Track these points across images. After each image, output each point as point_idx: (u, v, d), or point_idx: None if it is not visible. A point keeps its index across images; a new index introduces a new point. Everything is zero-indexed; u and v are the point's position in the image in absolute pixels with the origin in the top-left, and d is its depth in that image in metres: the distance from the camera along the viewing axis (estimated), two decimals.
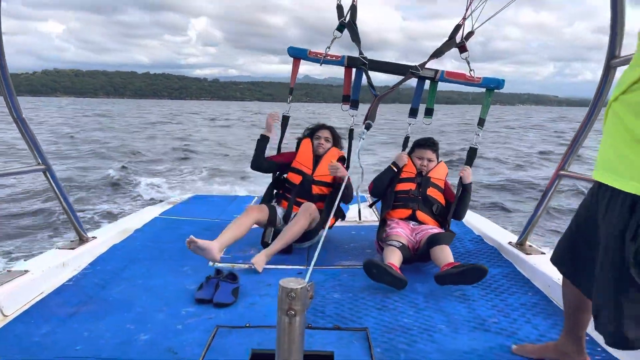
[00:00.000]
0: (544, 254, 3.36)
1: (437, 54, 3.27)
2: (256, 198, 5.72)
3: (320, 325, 2.42)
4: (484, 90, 3.68)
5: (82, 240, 3.47)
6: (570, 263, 1.84)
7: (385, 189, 3.77)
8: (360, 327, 2.41)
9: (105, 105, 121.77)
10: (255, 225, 3.63)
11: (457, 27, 3.36)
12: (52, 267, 2.94)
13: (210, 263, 3.33)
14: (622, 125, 1.45)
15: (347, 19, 3.52)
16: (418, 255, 3.35)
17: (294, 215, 3.71)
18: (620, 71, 2.60)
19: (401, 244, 3.26)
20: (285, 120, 4.00)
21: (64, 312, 2.49)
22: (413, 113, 3.85)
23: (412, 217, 3.62)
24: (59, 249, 3.32)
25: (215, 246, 3.13)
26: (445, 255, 3.12)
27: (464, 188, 3.62)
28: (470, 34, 3.36)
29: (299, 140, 4.11)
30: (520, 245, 3.54)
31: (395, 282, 2.88)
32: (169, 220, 4.49)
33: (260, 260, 3.24)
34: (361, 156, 2.69)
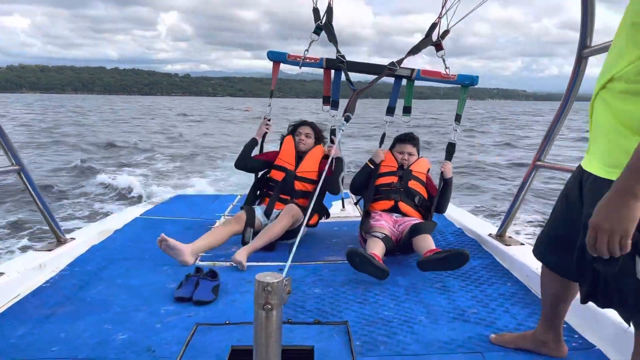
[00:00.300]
0: (523, 244, 3.40)
1: (414, 51, 3.40)
2: (239, 196, 5.70)
3: (300, 320, 2.42)
4: (456, 85, 3.76)
5: (60, 241, 3.43)
6: (555, 255, 1.84)
7: (365, 185, 3.83)
8: (341, 320, 2.41)
9: (75, 100, 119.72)
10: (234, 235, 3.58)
11: (433, 26, 3.47)
12: (28, 269, 2.90)
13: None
14: (611, 113, 1.46)
15: (324, 20, 3.59)
16: (401, 246, 3.39)
17: (277, 213, 3.73)
18: (596, 60, 2.64)
19: (384, 235, 3.28)
20: (260, 137, 4.05)
21: (40, 314, 2.46)
22: (390, 111, 3.90)
23: (395, 209, 3.66)
24: (36, 250, 3.28)
25: (186, 249, 3.09)
26: (427, 243, 3.14)
27: (445, 182, 3.71)
28: (446, 32, 3.48)
29: (282, 138, 4.15)
30: (500, 236, 3.57)
31: (376, 272, 2.90)
32: (151, 220, 4.46)
33: (240, 256, 3.22)
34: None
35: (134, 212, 4.75)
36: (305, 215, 3.57)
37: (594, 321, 2.19)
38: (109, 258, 3.34)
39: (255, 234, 3.57)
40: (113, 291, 2.77)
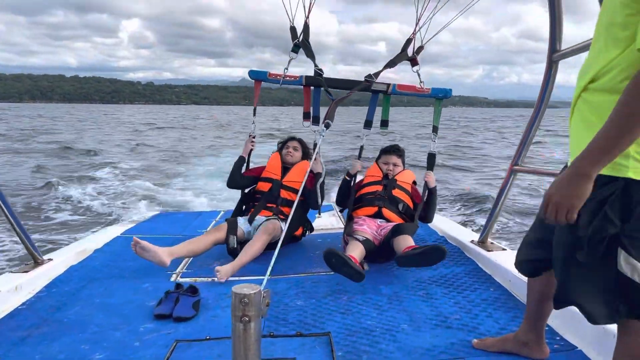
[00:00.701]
0: (505, 250, 3.41)
1: (390, 65, 3.56)
2: (222, 213, 5.65)
3: (282, 332, 2.39)
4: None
5: (37, 262, 3.36)
6: (537, 251, 1.86)
7: (347, 197, 3.93)
8: (323, 332, 2.39)
9: (36, 109, 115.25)
10: (217, 244, 3.64)
11: (408, 41, 3.60)
12: (3, 292, 2.83)
13: (172, 278, 3.27)
14: (594, 112, 1.47)
15: (301, 38, 3.69)
16: (382, 247, 3.42)
17: (260, 221, 3.78)
18: (566, 64, 2.69)
19: (365, 238, 3.34)
20: (246, 155, 4.15)
21: (15, 336, 2.39)
22: (368, 125, 4.01)
23: (379, 215, 3.73)
24: (12, 272, 3.21)
25: (162, 250, 3.15)
26: (406, 242, 3.18)
27: (430, 191, 3.80)
28: (420, 48, 3.62)
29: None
30: (482, 243, 3.58)
31: (352, 273, 2.89)
32: (131, 239, 4.39)
33: (225, 270, 3.20)
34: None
35: (114, 231, 4.69)
36: (286, 222, 3.62)
37: (575, 322, 2.19)
38: (88, 278, 3.28)
39: (240, 243, 3.62)
40: (91, 311, 2.71)
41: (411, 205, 3.86)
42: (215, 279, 3.17)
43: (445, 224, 4.50)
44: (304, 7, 3.47)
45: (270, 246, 3.57)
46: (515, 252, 2.06)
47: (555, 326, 2.30)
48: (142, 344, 2.28)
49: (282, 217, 3.89)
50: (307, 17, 3.58)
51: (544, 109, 2.94)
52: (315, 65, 3.80)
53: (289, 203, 3.94)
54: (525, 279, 2.49)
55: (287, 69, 3.85)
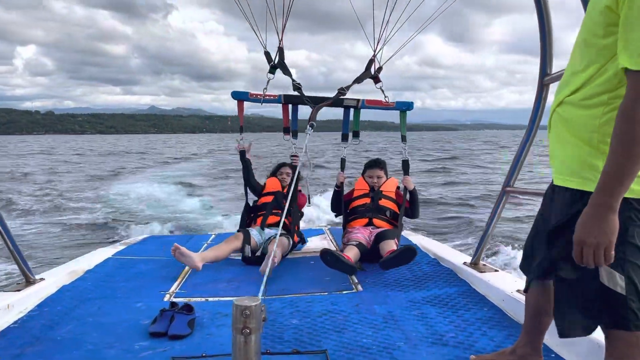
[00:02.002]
0: (497, 271, 3.44)
1: (357, 81, 4.02)
2: (213, 236, 5.64)
3: (278, 350, 2.38)
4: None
5: (29, 281, 3.32)
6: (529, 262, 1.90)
7: (339, 205, 4.50)
8: (320, 349, 2.39)
9: None
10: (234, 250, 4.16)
11: (370, 62, 4.05)
12: None
13: (165, 298, 3.25)
14: (569, 127, 1.55)
15: (276, 60, 4.02)
16: (372, 249, 3.93)
17: (270, 234, 4.36)
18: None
19: (358, 242, 3.87)
20: (242, 153, 4.65)
21: (8, 355, 2.36)
22: (344, 138, 4.56)
23: (370, 224, 4.26)
24: (4, 291, 3.17)
25: (196, 256, 3.77)
26: (388, 246, 3.72)
27: (411, 193, 4.38)
28: (380, 68, 4.07)
29: (266, 180, 4.86)
30: (474, 264, 3.61)
31: (345, 267, 3.50)
32: (123, 260, 4.36)
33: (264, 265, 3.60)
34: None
35: (106, 252, 4.65)
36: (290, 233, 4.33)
37: (570, 339, 2.22)
38: (80, 297, 3.25)
39: (252, 252, 4.14)
40: (84, 330, 2.69)
41: (397, 209, 4.36)
42: (210, 298, 3.17)
43: (438, 247, 4.53)
44: (277, 33, 3.83)
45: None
46: (508, 274, 2.10)
47: (550, 343, 2.32)
48: None
49: (286, 221, 4.26)
50: (281, 42, 3.93)
51: (535, 130, 3.02)
52: (293, 80, 4.08)
53: (290, 211, 4.39)
54: (518, 298, 2.53)
55: (266, 88, 4.20)
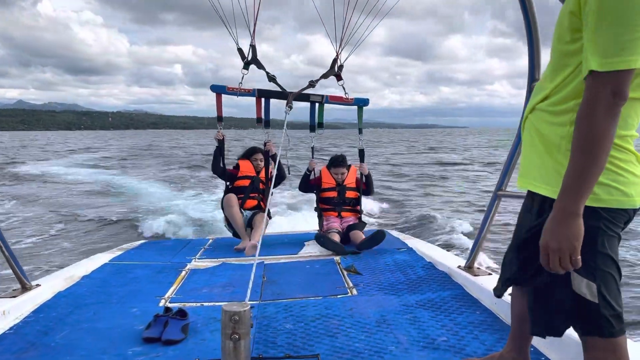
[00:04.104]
0: (491, 274, 3.46)
1: (324, 77, 4.73)
2: (211, 240, 5.67)
3: (271, 355, 2.40)
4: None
5: (25, 288, 3.34)
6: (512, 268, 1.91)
7: (307, 186, 5.48)
8: (312, 354, 2.40)
9: None
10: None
11: (334, 61, 4.71)
12: None
13: (161, 303, 3.27)
14: (537, 134, 1.58)
15: (250, 57, 4.56)
16: (344, 236, 5.07)
17: (248, 213, 5.35)
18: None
19: (337, 230, 5.11)
20: (220, 142, 5.23)
21: None
22: (312, 129, 5.22)
23: (339, 216, 5.36)
24: (0, 298, 3.19)
25: (248, 243, 4.91)
26: (358, 235, 4.93)
27: (366, 177, 5.41)
28: (341, 67, 4.74)
29: (237, 162, 5.50)
30: (468, 268, 3.62)
31: (336, 247, 4.66)
32: (119, 266, 4.38)
33: (250, 247, 4.77)
34: None
35: (102, 258, 4.66)
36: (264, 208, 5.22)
37: (559, 342, 2.24)
38: (76, 303, 3.27)
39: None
40: (79, 335, 2.70)
41: (357, 194, 5.42)
42: (205, 303, 3.19)
43: (432, 250, 4.55)
44: (249, 31, 4.43)
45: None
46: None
47: (539, 346, 2.34)
48: None
49: (262, 204, 5.40)
50: (253, 39, 4.47)
51: None
52: (267, 73, 4.70)
53: (263, 191, 5.46)
54: (510, 301, 2.54)
55: (241, 83, 4.78)
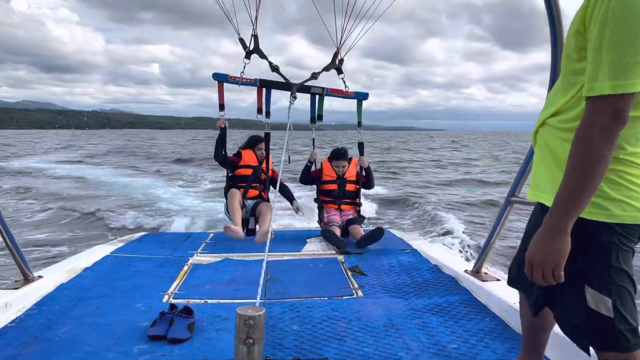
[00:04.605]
0: (500, 280, 3.42)
1: (326, 69, 4.83)
2: (212, 235, 5.62)
3: (279, 357, 2.36)
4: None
5: (27, 279, 3.29)
6: (523, 279, 1.88)
7: (308, 177, 5.52)
8: (321, 358, 2.36)
9: None
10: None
11: (335, 54, 4.79)
12: None
13: (164, 298, 3.23)
14: (547, 148, 1.58)
15: (252, 46, 4.61)
16: (344, 229, 5.20)
17: (251, 203, 5.40)
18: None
19: (338, 224, 5.21)
20: (222, 130, 5.23)
21: (4, 355, 2.33)
22: (312, 120, 5.32)
23: (339, 209, 5.44)
24: (2, 289, 3.14)
25: (237, 229, 4.87)
26: (358, 230, 5.06)
27: (366, 170, 5.42)
28: (342, 60, 4.84)
29: (239, 151, 5.54)
30: (476, 272, 3.58)
31: (338, 242, 4.75)
32: (121, 258, 4.34)
33: (262, 235, 4.80)
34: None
35: (104, 250, 4.62)
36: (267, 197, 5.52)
37: (574, 355, 2.20)
38: (78, 296, 3.22)
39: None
40: (82, 330, 2.66)
41: (357, 187, 5.49)
42: (209, 300, 3.15)
43: (439, 252, 4.51)
44: (251, 21, 4.44)
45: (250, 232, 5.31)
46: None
47: (554, 358, 2.30)
48: None
49: (263, 194, 5.47)
50: (255, 29, 4.51)
51: None
52: (270, 63, 4.75)
53: (264, 181, 5.49)
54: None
55: (242, 72, 4.83)
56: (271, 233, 3.66)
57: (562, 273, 1.37)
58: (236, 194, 5.20)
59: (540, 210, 1.67)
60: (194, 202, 13.81)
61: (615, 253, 1.43)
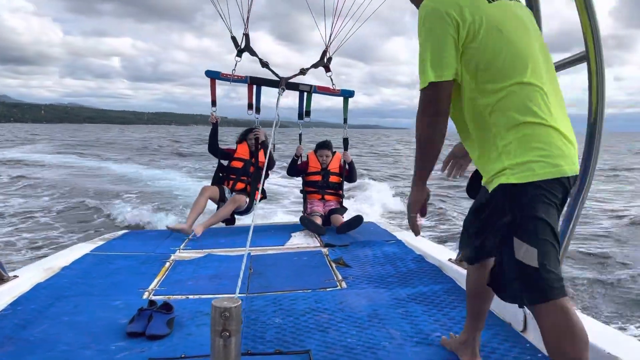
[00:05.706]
0: None
1: (314, 66, 5.14)
2: (193, 232, 5.56)
3: (260, 350, 2.32)
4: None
5: (3, 279, 3.21)
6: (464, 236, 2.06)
7: (294, 170, 5.82)
8: (303, 349, 2.33)
9: None
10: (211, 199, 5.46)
11: (324, 53, 5.11)
12: None
13: (144, 295, 3.16)
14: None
15: (243, 44, 4.88)
16: (326, 218, 5.45)
17: (234, 194, 5.48)
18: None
19: (320, 214, 5.46)
20: (215, 124, 5.48)
21: None
22: (300, 116, 5.58)
23: (322, 199, 5.68)
24: None
25: (186, 226, 4.94)
26: (338, 219, 5.27)
27: (349, 164, 5.65)
28: (330, 59, 5.17)
29: (236, 144, 5.71)
30: (460, 261, 3.57)
31: (318, 228, 5.01)
32: (102, 257, 4.25)
33: (199, 228, 4.89)
34: None
35: (84, 248, 4.53)
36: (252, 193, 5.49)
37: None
38: (55, 296, 3.14)
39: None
40: (59, 329, 2.59)
41: (340, 179, 5.72)
42: (190, 296, 3.09)
43: (423, 243, 4.49)
44: (243, 20, 4.73)
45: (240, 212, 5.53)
46: None
47: (536, 342, 2.29)
48: None
49: (248, 187, 5.55)
50: (246, 28, 4.76)
51: None
52: (260, 60, 5.02)
53: (252, 175, 5.55)
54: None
55: (234, 69, 5.07)
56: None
57: (413, 215, 1.86)
58: (206, 192, 5.36)
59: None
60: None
61: (539, 205, 1.59)
